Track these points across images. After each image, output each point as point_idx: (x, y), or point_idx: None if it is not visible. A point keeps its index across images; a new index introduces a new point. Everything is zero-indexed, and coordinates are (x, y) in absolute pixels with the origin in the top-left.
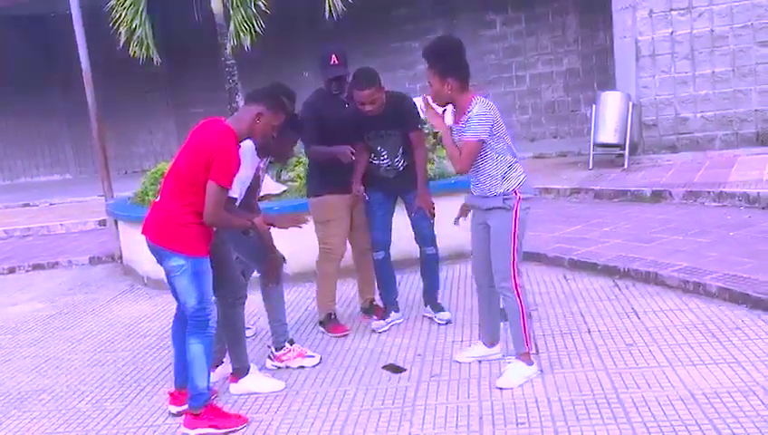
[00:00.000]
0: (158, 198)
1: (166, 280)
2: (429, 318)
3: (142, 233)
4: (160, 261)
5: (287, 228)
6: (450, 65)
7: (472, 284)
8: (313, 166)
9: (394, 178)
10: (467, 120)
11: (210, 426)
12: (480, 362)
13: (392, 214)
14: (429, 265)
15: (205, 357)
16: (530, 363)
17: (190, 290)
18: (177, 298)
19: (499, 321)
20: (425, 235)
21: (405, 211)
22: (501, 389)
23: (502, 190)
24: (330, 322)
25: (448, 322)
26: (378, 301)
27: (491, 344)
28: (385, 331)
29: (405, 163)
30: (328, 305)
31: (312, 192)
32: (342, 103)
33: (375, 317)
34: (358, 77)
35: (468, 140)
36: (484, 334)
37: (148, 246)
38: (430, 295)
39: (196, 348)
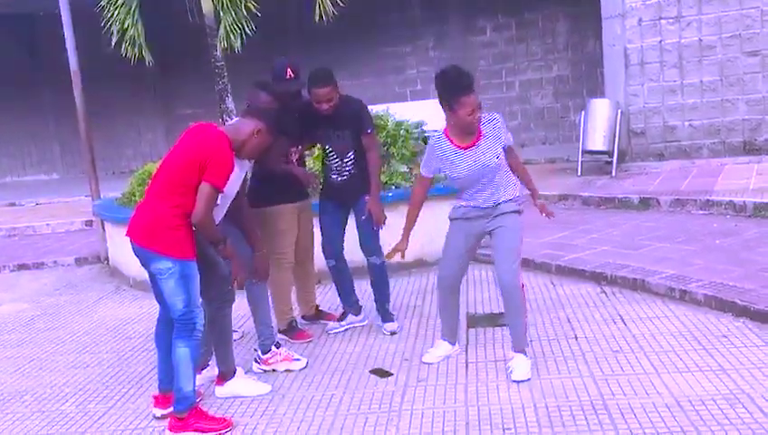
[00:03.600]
0: (144, 198)
1: (150, 283)
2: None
3: (127, 235)
4: (146, 263)
5: (238, 275)
6: None
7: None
8: (260, 175)
9: (342, 185)
10: (503, 127)
11: (194, 430)
12: (467, 366)
13: (344, 223)
14: (375, 276)
15: (191, 360)
16: (527, 354)
17: (178, 293)
18: (160, 301)
19: (459, 319)
20: (367, 244)
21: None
22: (518, 382)
23: (516, 194)
24: (292, 330)
25: (393, 333)
26: (322, 307)
27: (454, 342)
28: (339, 332)
29: (354, 169)
30: (287, 314)
31: (262, 202)
32: (297, 119)
33: (326, 322)
34: (315, 76)
35: (512, 145)
36: (448, 333)
37: (134, 248)
38: (378, 305)
39: (182, 351)
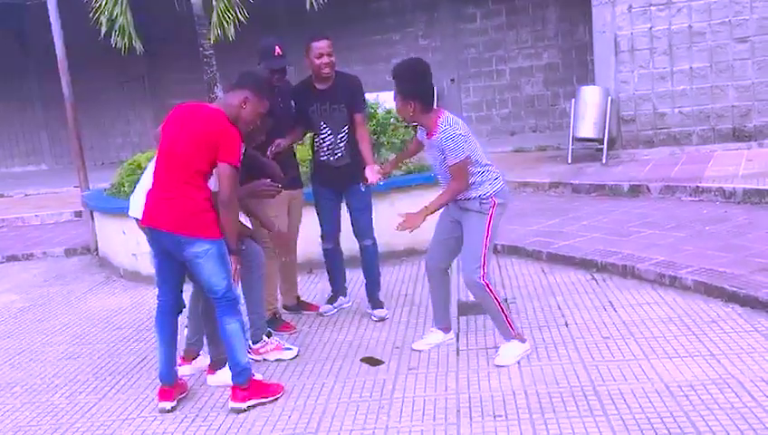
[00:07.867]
0: (152, 186)
1: (158, 270)
2: (369, 315)
3: (149, 225)
4: (180, 249)
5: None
6: (413, 89)
7: None
8: (247, 163)
9: (335, 166)
10: (444, 144)
11: (260, 396)
12: (458, 354)
13: (339, 207)
14: (369, 258)
15: (242, 334)
16: (523, 341)
17: (219, 272)
18: (165, 289)
19: (449, 306)
20: (363, 227)
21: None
22: (499, 366)
23: (477, 195)
24: (276, 321)
25: (381, 319)
26: (311, 298)
27: (446, 330)
28: (332, 314)
29: (347, 146)
30: (272, 305)
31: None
32: (278, 102)
33: (305, 312)
34: (313, 34)
35: (455, 163)
36: (438, 321)
37: (163, 236)
38: (370, 291)
39: (233, 327)
